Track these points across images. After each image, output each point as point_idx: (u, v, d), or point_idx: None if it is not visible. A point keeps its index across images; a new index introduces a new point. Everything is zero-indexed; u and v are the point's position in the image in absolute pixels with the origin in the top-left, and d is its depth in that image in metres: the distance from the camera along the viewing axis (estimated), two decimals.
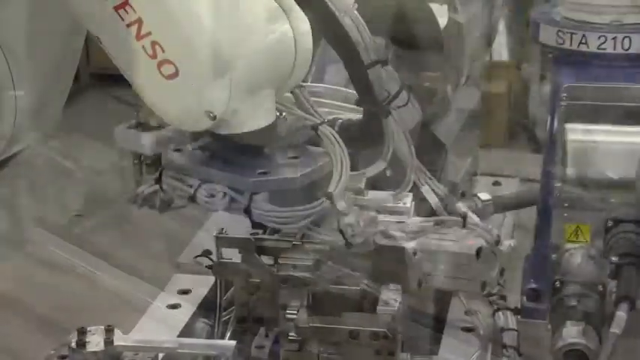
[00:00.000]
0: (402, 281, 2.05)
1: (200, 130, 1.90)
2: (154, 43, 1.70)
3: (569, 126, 2.22)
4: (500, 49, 6.81)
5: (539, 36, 2.36)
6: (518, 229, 3.02)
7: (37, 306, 2.96)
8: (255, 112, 1.85)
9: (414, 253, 1.94)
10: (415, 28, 2.65)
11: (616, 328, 1.95)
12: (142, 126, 1.93)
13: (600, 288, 2.06)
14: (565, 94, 2.23)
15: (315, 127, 1.98)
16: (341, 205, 1.93)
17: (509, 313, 2.46)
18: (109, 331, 1.98)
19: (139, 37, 1.71)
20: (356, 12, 1.98)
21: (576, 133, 2.21)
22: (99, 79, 7.47)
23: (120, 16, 1.71)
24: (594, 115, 2.21)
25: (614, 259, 2.06)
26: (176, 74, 1.72)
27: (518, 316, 2.43)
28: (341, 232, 2.01)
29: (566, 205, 2.23)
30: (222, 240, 2.22)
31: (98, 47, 1.79)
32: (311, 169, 1.98)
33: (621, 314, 1.96)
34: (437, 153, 2.66)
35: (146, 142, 1.94)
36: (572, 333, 2.00)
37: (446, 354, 2.33)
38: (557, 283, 2.11)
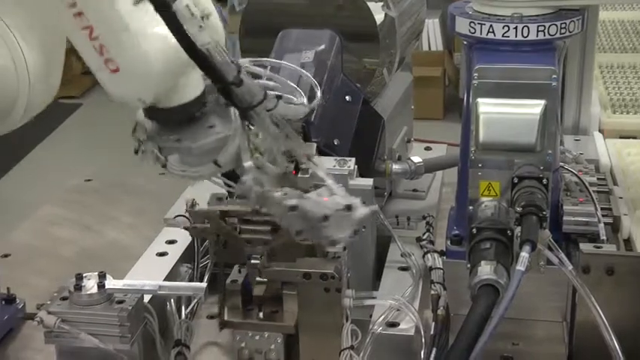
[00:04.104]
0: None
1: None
2: (101, 46, 1.68)
3: (480, 100, 2.15)
4: (436, 41, 6.77)
5: (455, 27, 2.28)
6: (446, 186, 2.98)
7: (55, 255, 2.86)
8: (183, 89, 1.76)
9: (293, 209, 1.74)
10: (356, 23, 2.58)
11: (521, 266, 1.88)
12: None
13: (509, 233, 1.99)
14: (476, 75, 2.15)
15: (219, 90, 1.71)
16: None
17: (436, 255, 2.41)
18: (101, 276, 1.94)
19: (90, 38, 1.68)
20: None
21: (486, 106, 2.15)
22: None
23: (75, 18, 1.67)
24: (501, 91, 2.15)
25: (518, 209, 1.99)
26: (117, 70, 1.70)
27: (444, 257, 2.39)
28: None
29: (479, 165, 2.16)
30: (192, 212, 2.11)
31: None
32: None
33: (524, 255, 1.89)
34: (376, 124, 2.57)
35: None
36: (485, 270, 1.92)
37: (385, 289, 2.28)
38: (474, 230, 2.02)
